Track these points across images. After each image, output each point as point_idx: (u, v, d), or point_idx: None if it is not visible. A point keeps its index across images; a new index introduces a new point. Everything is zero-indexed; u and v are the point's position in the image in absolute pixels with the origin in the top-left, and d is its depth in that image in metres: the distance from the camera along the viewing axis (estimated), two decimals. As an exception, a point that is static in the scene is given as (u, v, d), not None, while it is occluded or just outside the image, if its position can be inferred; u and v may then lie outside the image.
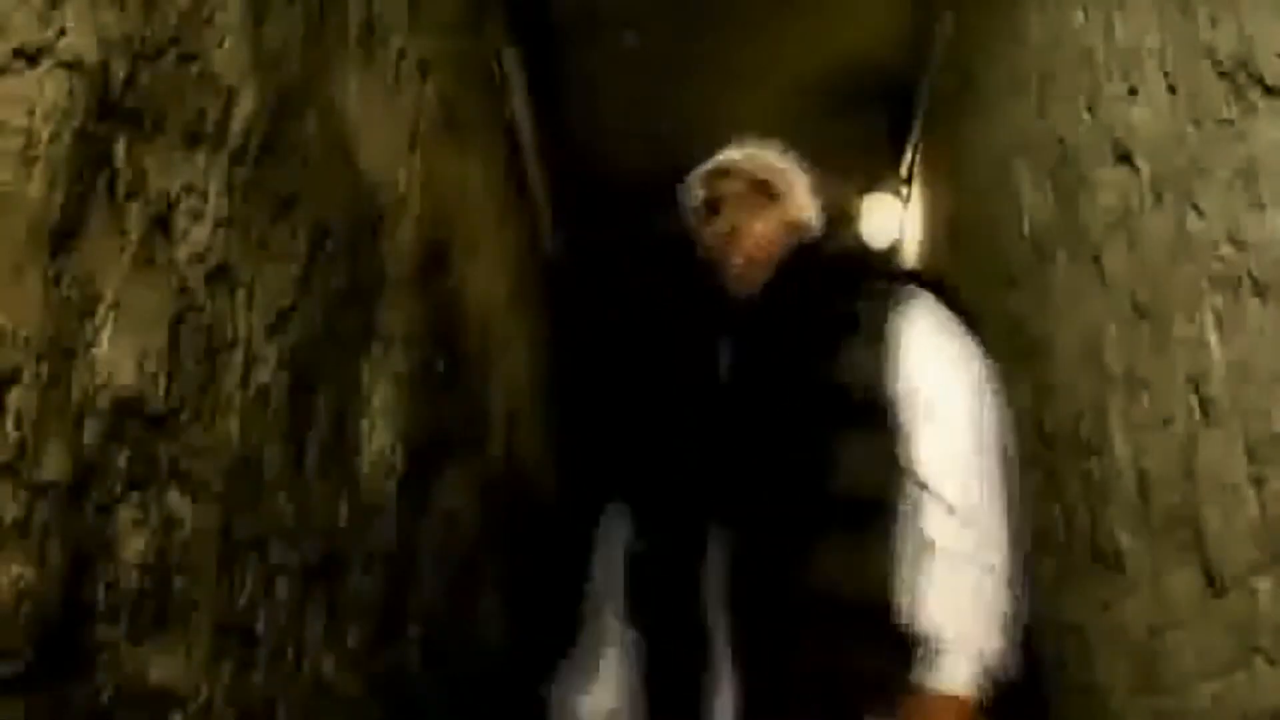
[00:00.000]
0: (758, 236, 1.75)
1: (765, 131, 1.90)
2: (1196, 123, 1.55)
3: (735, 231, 1.76)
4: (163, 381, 1.25)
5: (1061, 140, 2.16)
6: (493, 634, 3.01)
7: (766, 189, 1.78)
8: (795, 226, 1.76)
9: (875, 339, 1.53)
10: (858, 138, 4.13)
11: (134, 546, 1.19)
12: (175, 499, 1.27)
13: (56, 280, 1.07)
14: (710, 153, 1.84)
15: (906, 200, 4.34)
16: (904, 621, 1.38)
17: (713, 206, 1.79)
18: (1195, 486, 1.56)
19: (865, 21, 3.75)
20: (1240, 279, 1.43)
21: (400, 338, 2.19)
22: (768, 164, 1.82)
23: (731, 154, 1.84)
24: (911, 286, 1.61)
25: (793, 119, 3.76)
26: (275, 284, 1.58)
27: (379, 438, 2.03)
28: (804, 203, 1.80)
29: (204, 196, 1.36)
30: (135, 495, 1.19)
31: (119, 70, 1.17)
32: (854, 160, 4.04)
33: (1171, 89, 1.63)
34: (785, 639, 1.44)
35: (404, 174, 2.29)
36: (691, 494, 1.62)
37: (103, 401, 1.14)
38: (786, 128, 3.79)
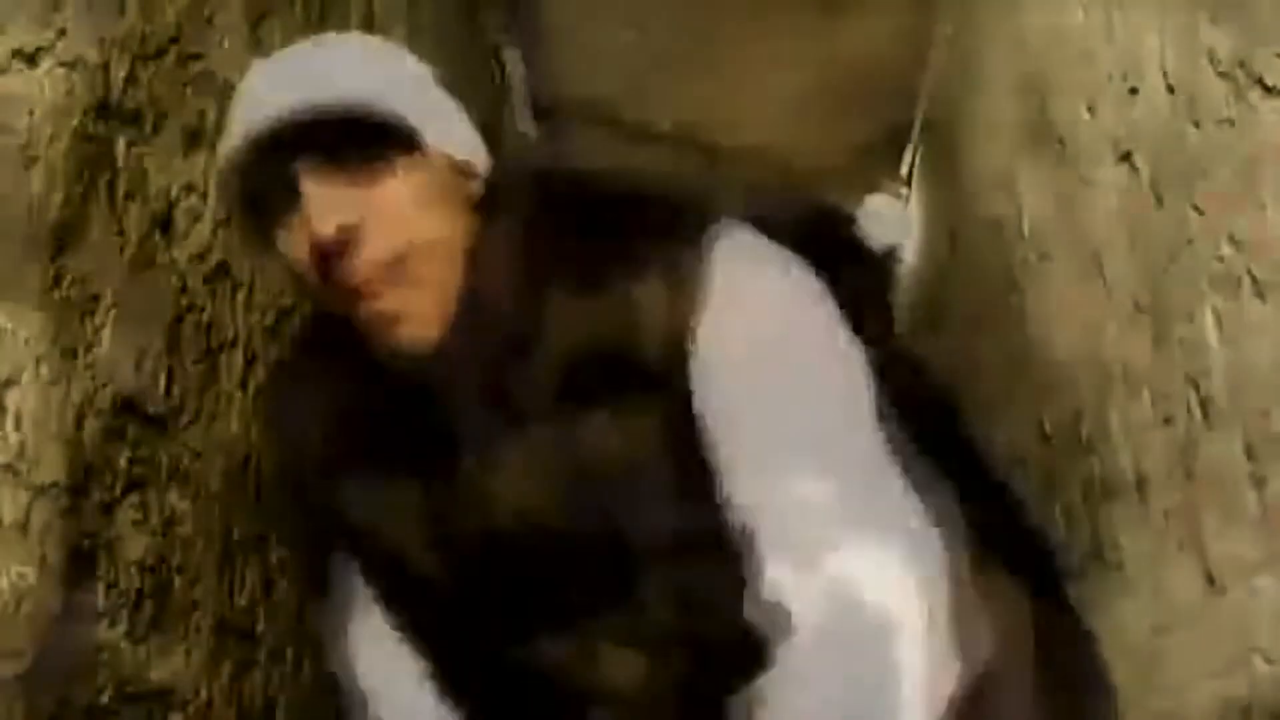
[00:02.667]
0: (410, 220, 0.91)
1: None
2: (1196, 123, 1.55)
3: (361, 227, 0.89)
4: (163, 381, 1.25)
5: (1061, 140, 2.16)
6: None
7: (400, 137, 0.92)
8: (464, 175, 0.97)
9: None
10: (857, 138, 4.13)
11: (134, 546, 1.19)
12: (175, 499, 1.27)
13: (56, 280, 1.07)
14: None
15: (906, 201, 4.33)
16: None
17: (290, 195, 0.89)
18: (1195, 486, 1.55)
19: (865, 22, 3.75)
20: (1240, 279, 1.42)
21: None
22: (383, 89, 0.92)
23: (309, 86, 0.91)
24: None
25: (792, 120, 3.76)
26: (275, 284, 1.58)
27: (379, 438, 2.03)
28: (464, 134, 0.99)
29: (204, 196, 1.36)
30: (135, 495, 1.19)
31: (119, 70, 1.17)
32: (854, 161, 4.04)
33: (1171, 89, 1.63)
34: None
35: (404, 174, 2.28)
36: None
37: (103, 401, 1.14)
38: (786, 129, 3.78)
